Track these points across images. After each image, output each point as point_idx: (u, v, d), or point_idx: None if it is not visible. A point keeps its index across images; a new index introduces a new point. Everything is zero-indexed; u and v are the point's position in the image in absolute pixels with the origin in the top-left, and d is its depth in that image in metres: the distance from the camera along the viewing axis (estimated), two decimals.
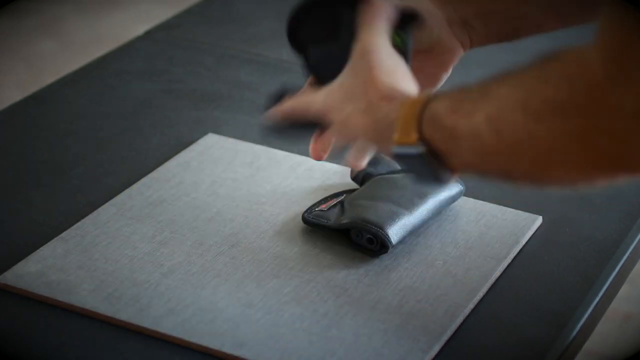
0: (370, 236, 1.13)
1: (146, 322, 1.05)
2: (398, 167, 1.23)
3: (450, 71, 1.12)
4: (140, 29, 1.83)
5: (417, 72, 1.05)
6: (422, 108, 0.92)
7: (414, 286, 1.11)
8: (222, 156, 1.33)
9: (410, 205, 1.16)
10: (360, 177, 1.24)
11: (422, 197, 1.18)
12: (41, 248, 1.15)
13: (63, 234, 1.18)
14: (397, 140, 0.94)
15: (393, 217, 1.14)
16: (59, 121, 1.45)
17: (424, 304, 1.08)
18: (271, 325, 1.05)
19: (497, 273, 1.13)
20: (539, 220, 1.22)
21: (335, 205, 1.19)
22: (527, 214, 1.22)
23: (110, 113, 1.48)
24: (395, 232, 1.13)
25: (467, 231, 1.19)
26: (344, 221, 1.15)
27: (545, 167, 0.87)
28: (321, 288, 1.10)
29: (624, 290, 1.30)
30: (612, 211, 1.24)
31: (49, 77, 1.76)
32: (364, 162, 1.03)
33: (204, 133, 1.39)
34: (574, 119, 0.81)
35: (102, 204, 1.24)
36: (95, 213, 1.22)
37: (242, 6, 1.84)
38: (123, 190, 1.26)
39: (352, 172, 1.25)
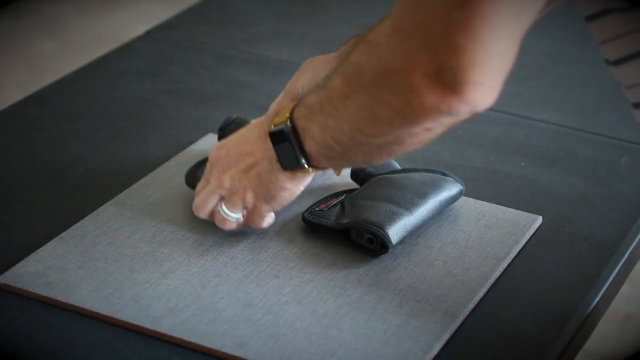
0: (370, 236, 1.13)
1: (146, 322, 1.05)
2: (398, 167, 1.23)
3: None
4: (140, 29, 1.83)
5: None
6: (297, 102, 1.06)
7: (414, 286, 1.11)
8: None
9: (410, 205, 1.16)
10: (361, 177, 1.24)
11: (423, 197, 1.18)
12: (41, 248, 1.15)
13: (63, 234, 1.18)
14: (274, 122, 1.07)
15: (393, 217, 1.14)
16: (59, 121, 1.45)
17: (424, 304, 1.08)
18: (271, 325, 1.05)
19: (497, 273, 1.13)
20: (539, 220, 1.22)
21: (335, 204, 1.19)
22: (527, 214, 1.22)
23: (110, 113, 1.48)
24: (395, 232, 1.13)
25: (467, 231, 1.19)
26: (344, 221, 1.15)
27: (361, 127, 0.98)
28: (321, 288, 1.10)
29: (624, 290, 1.30)
30: (612, 211, 1.24)
31: (49, 77, 1.76)
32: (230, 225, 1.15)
33: (204, 133, 1.39)
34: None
35: (102, 204, 1.24)
36: (95, 213, 1.22)
37: (242, 6, 1.84)
38: (123, 190, 1.26)
39: (352, 171, 1.25)
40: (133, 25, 3.49)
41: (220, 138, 1.30)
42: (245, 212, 1.14)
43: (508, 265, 1.15)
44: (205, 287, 1.10)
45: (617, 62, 1.00)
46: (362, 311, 1.07)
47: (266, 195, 1.11)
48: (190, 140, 1.37)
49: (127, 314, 1.06)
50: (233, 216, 1.14)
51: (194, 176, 1.24)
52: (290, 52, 1.66)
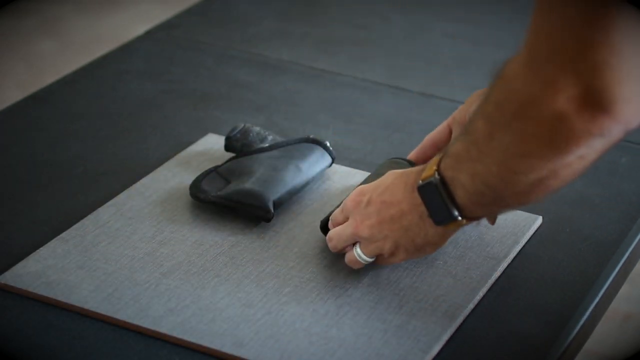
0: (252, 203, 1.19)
1: (146, 322, 1.05)
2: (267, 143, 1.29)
3: None
4: (140, 29, 1.83)
5: None
6: (444, 154, 1.03)
7: (414, 286, 1.11)
8: (222, 156, 1.32)
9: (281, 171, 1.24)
10: (239, 147, 1.29)
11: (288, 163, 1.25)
12: (41, 248, 1.15)
13: (63, 234, 1.18)
14: (422, 177, 1.04)
15: (267, 183, 1.21)
16: (59, 121, 1.45)
17: (424, 304, 1.08)
18: (271, 325, 1.05)
19: (497, 273, 1.13)
20: (539, 220, 1.22)
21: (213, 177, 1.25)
22: (527, 214, 1.22)
23: (110, 113, 1.48)
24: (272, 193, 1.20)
25: (467, 231, 1.19)
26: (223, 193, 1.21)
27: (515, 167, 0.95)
28: (321, 288, 1.10)
29: (624, 290, 1.30)
30: (612, 211, 1.24)
31: (49, 77, 1.76)
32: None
33: (204, 133, 1.39)
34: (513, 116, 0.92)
35: (102, 204, 1.24)
36: (95, 213, 1.22)
37: (242, 6, 1.84)
38: (123, 190, 1.26)
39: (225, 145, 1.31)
40: (133, 25, 3.49)
41: (227, 147, 1.31)
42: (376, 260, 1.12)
43: (508, 265, 1.15)
44: (205, 287, 1.10)
45: None
46: (362, 311, 1.07)
47: (409, 247, 1.07)
48: (190, 140, 1.37)
49: (127, 314, 1.06)
50: (367, 259, 1.10)
51: (198, 188, 1.24)
52: (290, 52, 1.66)
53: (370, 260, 1.10)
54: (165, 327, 1.05)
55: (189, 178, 1.28)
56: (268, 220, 1.19)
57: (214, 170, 1.26)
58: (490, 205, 1.02)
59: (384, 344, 1.03)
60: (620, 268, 1.16)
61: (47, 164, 1.35)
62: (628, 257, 1.18)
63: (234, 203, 1.20)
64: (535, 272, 1.14)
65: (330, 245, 1.13)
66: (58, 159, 1.36)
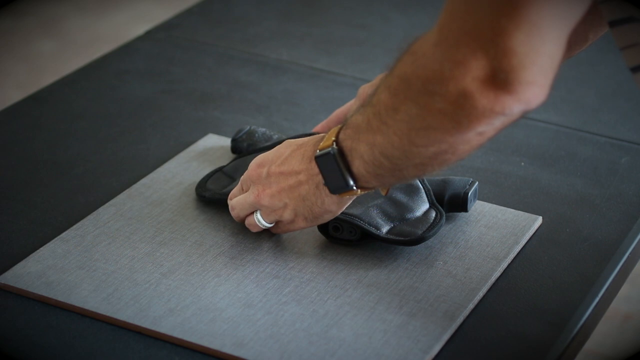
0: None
1: (146, 322, 1.05)
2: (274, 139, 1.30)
3: None
4: (140, 29, 1.83)
5: None
6: (343, 125, 1.07)
7: (414, 286, 1.11)
8: (222, 156, 1.32)
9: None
10: (245, 148, 1.30)
11: None
12: (41, 248, 1.15)
13: (63, 234, 1.18)
14: (320, 146, 1.08)
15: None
16: (59, 121, 1.45)
17: (424, 304, 1.08)
18: (271, 325, 1.05)
19: (497, 273, 1.13)
20: (539, 220, 1.22)
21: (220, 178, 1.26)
22: (527, 214, 1.22)
23: (110, 113, 1.48)
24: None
25: (467, 231, 1.19)
26: None
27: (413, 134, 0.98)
28: (321, 288, 1.10)
29: (624, 290, 1.30)
30: (612, 211, 1.24)
31: (49, 77, 1.76)
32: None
33: (204, 133, 1.39)
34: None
35: (102, 204, 1.24)
36: (95, 213, 1.22)
37: (242, 6, 1.84)
38: (123, 190, 1.26)
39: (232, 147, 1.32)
40: (133, 25, 3.49)
41: (233, 149, 1.31)
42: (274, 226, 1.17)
43: (508, 266, 1.15)
44: (205, 288, 1.10)
45: (635, 69, 1.01)
46: (362, 311, 1.07)
47: (307, 215, 1.12)
48: (190, 140, 1.37)
49: (127, 314, 1.06)
50: (266, 225, 1.16)
51: (204, 188, 1.24)
52: (290, 52, 1.66)
53: (269, 225, 1.15)
54: (165, 327, 1.04)
55: (189, 178, 1.28)
56: None
57: (220, 170, 1.27)
58: (387, 177, 1.04)
59: (384, 344, 1.03)
60: (620, 268, 1.16)
61: (47, 164, 1.34)
62: (628, 257, 1.18)
63: None
64: (535, 272, 1.14)
65: (232, 213, 1.17)
66: (58, 159, 1.35)
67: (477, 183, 1.22)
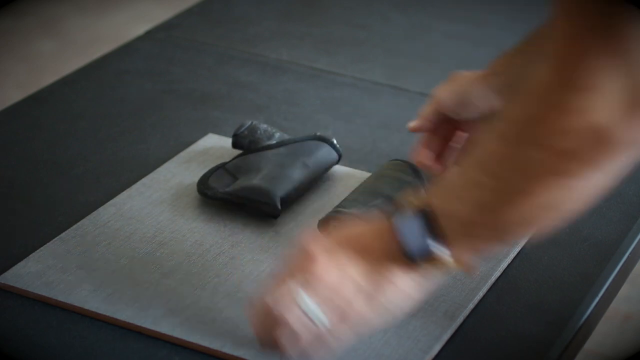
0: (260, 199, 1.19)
1: (146, 322, 1.05)
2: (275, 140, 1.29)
3: None
4: (140, 29, 1.83)
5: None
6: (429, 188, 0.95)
7: None
8: (222, 156, 1.32)
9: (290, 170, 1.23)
10: (246, 144, 1.29)
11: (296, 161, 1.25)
12: (41, 248, 1.15)
13: (63, 234, 1.18)
14: (402, 211, 0.93)
15: (276, 180, 1.21)
16: (59, 121, 1.45)
17: (424, 304, 1.08)
18: None
19: (497, 273, 1.13)
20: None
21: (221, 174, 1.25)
22: None
23: (110, 113, 1.48)
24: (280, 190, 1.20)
25: None
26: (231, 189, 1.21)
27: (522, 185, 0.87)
28: None
29: (624, 290, 1.30)
30: (612, 211, 1.24)
31: (49, 77, 1.75)
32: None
33: (204, 133, 1.39)
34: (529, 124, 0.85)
35: (102, 204, 1.23)
36: (95, 213, 1.22)
37: (242, 6, 1.84)
38: (123, 190, 1.26)
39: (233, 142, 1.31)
40: (133, 25, 3.48)
41: (234, 144, 1.31)
42: (332, 322, 0.94)
43: (508, 265, 1.15)
44: (205, 288, 1.10)
45: None
46: None
47: (374, 301, 0.93)
48: (190, 140, 1.37)
49: (127, 314, 1.06)
50: (318, 315, 0.92)
51: (205, 185, 1.24)
52: (290, 52, 1.66)
53: (322, 318, 0.92)
54: (165, 327, 1.04)
55: (189, 178, 1.28)
56: (275, 216, 1.20)
57: (222, 166, 1.27)
58: (480, 238, 0.92)
59: (384, 344, 1.03)
60: (620, 268, 1.16)
61: (47, 164, 1.34)
62: (628, 257, 1.18)
63: (241, 199, 1.20)
64: (535, 272, 1.14)
65: (257, 324, 0.96)
66: (58, 159, 1.35)
67: None
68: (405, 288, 0.93)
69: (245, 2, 1.85)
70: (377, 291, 0.93)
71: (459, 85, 1.18)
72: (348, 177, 1.29)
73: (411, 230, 0.91)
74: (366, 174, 1.30)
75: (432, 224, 0.91)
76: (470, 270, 0.94)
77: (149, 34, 1.72)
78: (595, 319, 1.12)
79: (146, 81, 1.56)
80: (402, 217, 0.92)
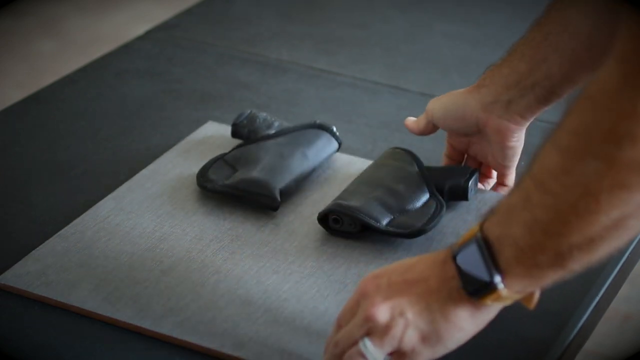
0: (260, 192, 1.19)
1: (146, 323, 1.05)
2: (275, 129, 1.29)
3: (513, 147, 1.19)
4: (140, 29, 1.83)
5: (485, 150, 1.20)
6: (485, 217, 0.89)
7: None
8: (222, 145, 1.32)
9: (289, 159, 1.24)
10: (245, 133, 1.29)
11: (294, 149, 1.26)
12: (40, 246, 1.15)
13: (62, 231, 1.18)
14: (457, 243, 0.89)
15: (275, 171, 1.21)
16: (59, 121, 1.45)
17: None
18: (271, 324, 1.05)
19: None
20: None
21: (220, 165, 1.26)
22: None
23: (110, 113, 1.48)
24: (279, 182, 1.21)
25: (469, 220, 1.19)
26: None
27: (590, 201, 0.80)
28: (321, 284, 1.10)
29: (624, 290, 1.30)
30: None
31: (49, 77, 1.75)
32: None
33: None
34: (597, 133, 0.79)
35: None
36: (94, 207, 1.22)
37: (242, 6, 1.84)
38: None
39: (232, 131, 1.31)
40: (133, 25, 3.48)
41: (233, 133, 1.31)
42: (392, 356, 0.93)
43: None
44: (205, 285, 1.10)
45: None
46: None
47: (432, 335, 0.89)
48: None
49: (126, 314, 1.06)
50: (376, 356, 0.90)
51: (205, 177, 1.24)
52: (290, 52, 1.66)
53: (379, 359, 0.91)
54: (165, 327, 1.04)
55: (189, 168, 1.28)
56: (275, 208, 1.20)
57: (221, 158, 1.27)
58: (544, 266, 0.85)
59: None
60: (620, 268, 1.16)
61: (47, 164, 1.34)
62: (628, 257, 1.18)
63: (241, 192, 1.21)
64: None
65: (332, 352, 0.94)
66: (58, 159, 1.35)
67: (477, 172, 1.22)
68: (463, 325, 0.90)
69: (245, 2, 1.85)
70: (436, 332, 0.90)
71: (449, 97, 1.20)
72: (348, 165, 1.29)
73: (468, 262, 0.87)
74: (367, 162, 1.30)
75: (491, 255, 0.86)
76: (530, 303, 0.91)
77: (149, 34, 1.72)
78: (595, 319, 1.11)
79: (146, 81, 1.56)
80: (460, 249, 0.88)
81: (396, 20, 1.78)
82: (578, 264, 0.85)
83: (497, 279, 0.86)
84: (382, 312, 0.90)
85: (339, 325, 0.95)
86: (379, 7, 1.82)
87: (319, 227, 1.18)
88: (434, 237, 1.17)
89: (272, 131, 1.29)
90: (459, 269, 0.88)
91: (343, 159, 1.31)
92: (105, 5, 3.83)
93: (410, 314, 0.89)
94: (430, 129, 1.24)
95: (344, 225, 1.16)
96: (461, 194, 1.20)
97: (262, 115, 1.31)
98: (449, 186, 1.20)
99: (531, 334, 1.05)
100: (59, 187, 1.29)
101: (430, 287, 0.90)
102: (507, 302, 0.89)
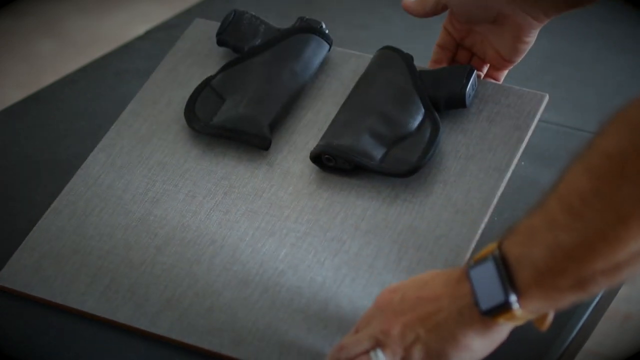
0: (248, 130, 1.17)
1: (144, 323, 1.05)
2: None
3: (528, 42, 1.17)
4: (140, 29, 1.83)
5: (491, 43, 1.17)
6: (505, 234, 0.87)
7: (413, 226, 1.09)
8: (210, 55, 1.30)
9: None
10: (232, 43, 1.27)
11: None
12: (35, 228, 1.15)
13: (55, 203, 1.17)
14: (474, 259, 0.88)
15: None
16: (59, 121, 1.45)
17: (423, 252, 1.07)
18: (268, 309, 1.04)
19: (499, 191, 1.12)
20: (545, 98, 1.20)
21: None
22: (531, 93, 1.20)
23: (110, 113, 1.47)
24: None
25: (469, 130, 1.17)
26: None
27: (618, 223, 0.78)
28: (317, 245, 1.09)
29: (624, 290, 1.29)
30: None
31: (49, 77, 1.75)
32: None
33: None
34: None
35: None
36: (85, 165, 1.21)
37: (242, 6, 1.83)
38: None
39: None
40: (133, 25, 3.48)
41: (219, 42, 1.29)
42: None
43: None
44: (200, 262, 1.09)
45: None
46: (360, 272, 1.06)
47: (439, 353, 0.89)
48: None
49: (124, 313, 1.06)
50: None
51: (193, 114, 1.22)
52: None
53: None
54: (163, 327, 1.04)
55: (177, 94, 1.27)
56: (266, 148, 1.18)
57: (207, 84, 1.24)
58: (563, 289, 0.83)
59: None
60: None
61: (47, 164, 1.34)
62: None
63: (229, 132, 1.19)
64: None
65: (339, 351, 0.94)
66: (58, 159, 1.35)
67: (475, 72, 1.19)
68: (471, 344, 0.90)
69: (245, 2, 1.85)
70: (443, 351, 0.90)
71: None
72: (342, 65, 1.28)
73: (483, 279, 0.86)
74: (361, 57, 1.29)
75: (508, 273, 0.85)
76: (543, 325, 0.90)
77: (149, 34, 1.72)
78: (595, 318, 1.11)
79: (146, 81, 1.56)
80: (475, 265, 0.88)
81: (396, 20, 1.77)
82: (599, 288, 0.83)
83: (513, 298, 0.85)
84: (396, 328, 0.91)
85: (357, 332, 0.96)
86: (379, 7, 1.82)
87: (313, 166, 1.16)
88: (433, 158, 1.14)
89: (258, 40, 1.27)
90: (472, 285, 0.87)
91: (335, 57, 1.27)
92: (105, 5, 3.83)
93: (421, 331, 0.90)
94: (439, 9, 1.20)
95: (337, 163, 1.15)
96: (458, 102, 1.18)
97: (247, 17, 1.28)
98: (445, 97, 1.17)
99: (531, 334, 1.05)
100: (59, 187, 1.29)
101: (441, 306, 0.89)
102: (520, 323, 0.88)
